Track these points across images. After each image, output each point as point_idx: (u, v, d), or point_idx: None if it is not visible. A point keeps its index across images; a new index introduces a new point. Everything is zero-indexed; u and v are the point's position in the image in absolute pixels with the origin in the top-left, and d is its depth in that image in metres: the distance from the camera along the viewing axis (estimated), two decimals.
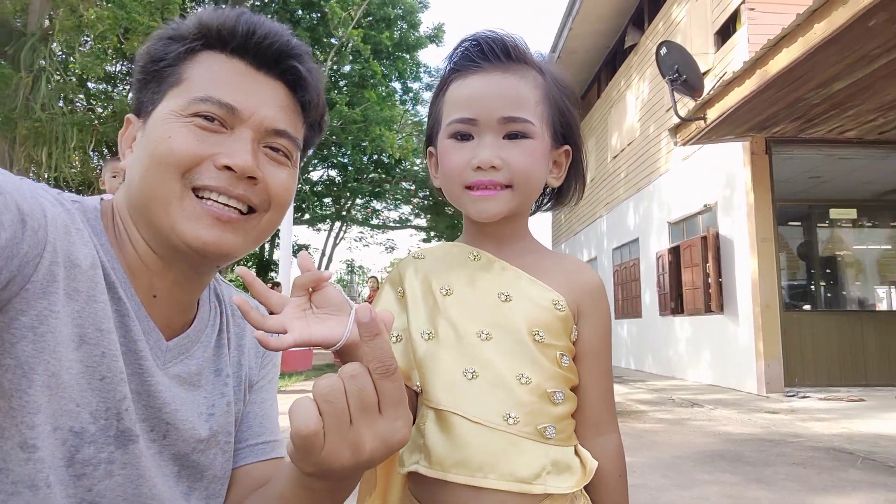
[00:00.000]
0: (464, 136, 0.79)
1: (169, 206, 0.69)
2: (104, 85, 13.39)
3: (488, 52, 0.80)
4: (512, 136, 0.78)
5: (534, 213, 0.92)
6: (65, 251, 0.62)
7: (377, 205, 22.62)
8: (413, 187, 21.00)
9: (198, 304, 0.82)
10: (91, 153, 12.13)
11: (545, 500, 0.74)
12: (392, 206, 22.74)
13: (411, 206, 22.61)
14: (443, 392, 0.75)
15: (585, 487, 0.78)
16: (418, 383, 0.78)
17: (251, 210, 0.73)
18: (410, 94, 20.42)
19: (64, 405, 0.62)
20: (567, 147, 0.86)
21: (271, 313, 0.68)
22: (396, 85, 19.41)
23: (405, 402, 0.57)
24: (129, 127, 0.76)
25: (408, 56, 18.88)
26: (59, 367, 0.61)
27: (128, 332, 0.69)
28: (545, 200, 0.91)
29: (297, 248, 16.72)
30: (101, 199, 0.76)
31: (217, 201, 0.70)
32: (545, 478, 0.73)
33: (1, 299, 0.57)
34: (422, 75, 20.36)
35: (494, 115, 0.77)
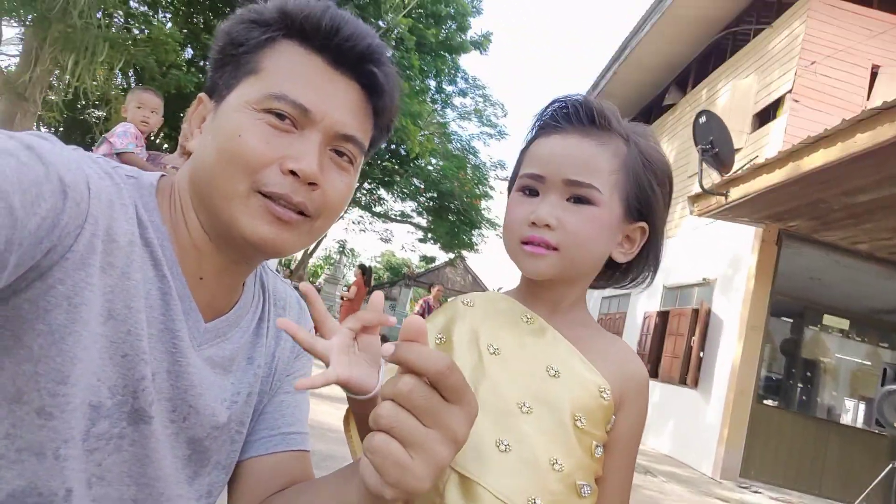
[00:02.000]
0: (530, 192, 0.79)
1: (232, 202, 0.69)
2: (146, 8, 13.26)
3: (573, 115, 0.80)
4: (576, 200, 0.77)
5: (601, 287, 0.89)
6: (105, 225, 0.63)
7: (383, 193, 22.56)
8: (423, 186, 20.97)
9: (242, 287, 0.82)
10: (117, 72, 12.00)
11: None
12: (397, 199, 22.69)
13: (416, 204, 22.57)
14: (471, 458, 0.72)
15: None
16: None
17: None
18: (442, 95, 20.40)
19: (87, 378, 0.62)
20: (643, 224, 0.83)
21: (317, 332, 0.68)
22: (431, 82, 19.39)
23: (466, 383, 0.52)
24: (199, 106, 0.76)
25: (449, 57, 18.87)
26: (88, 340, 0.61)
27: (168, 310, 0.69)
28: (614, 275, 0.88)
29: None
30: (162, 175, 0.76)
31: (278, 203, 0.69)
32: None
33: (41, 266, 0.57)
34: (459, 80, 20.35)
35: (561, 176, 0.77)
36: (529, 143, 0.84)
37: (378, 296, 0.69)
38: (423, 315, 7.50)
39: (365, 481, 0.52)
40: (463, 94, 21.04)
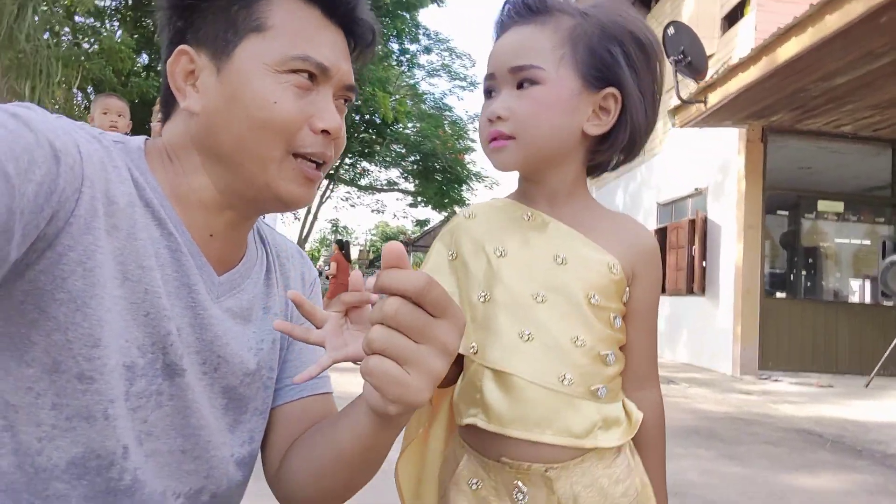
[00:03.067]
0: (488, 93, 0.82)
1: (268, 167, 0.70)
2: (92, 20, 12.92)
3: (514, 12, 0.82)
4: (523, 85, 0.79)
5: (599, 169, 0.89)
6: (102, 188, 0.63)
7: (367, 165, 22.41)
8: (404, 150, 20.81)
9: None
10: (75, 90, 11.78)
11: (590, 452, 0.78)
12: (382, 168, 22.54)
13: (401, 170, 22.45)
14: (500, 353, 0.77)
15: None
16: (474, 344, 0.80)
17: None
18: (407, 56, 20.05)
19: (116, 341, 0.63)
20: (612, 91, 0.80)
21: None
22: (394, 45, 19.04)
23: (448, 296, 0.54)
24: (181, 58, 0.70)
25: (407, 15, 18.47)
26: (110, 303, 0.62)
27: (181, 267, 0.70)
28: (599, 150, 0.85)
29: None
30: (146, 139, 0.76)
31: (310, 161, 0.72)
32: (596, 433, 0.77)
33: (48, 235, 0.58)
34: (420, 37, 19.98)
35: (505, 67, 0.79)
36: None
37: (356, 275, 0.69)
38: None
39: (369, 402, 0.55)
40: (427, 51, 20.64)
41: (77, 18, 12.41)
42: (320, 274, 10.05)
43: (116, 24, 13.44)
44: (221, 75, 0.69)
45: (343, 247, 11.33)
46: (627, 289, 0.82)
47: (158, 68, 14.41)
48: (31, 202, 0.53)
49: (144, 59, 14.24)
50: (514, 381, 0.76)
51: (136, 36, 12.92)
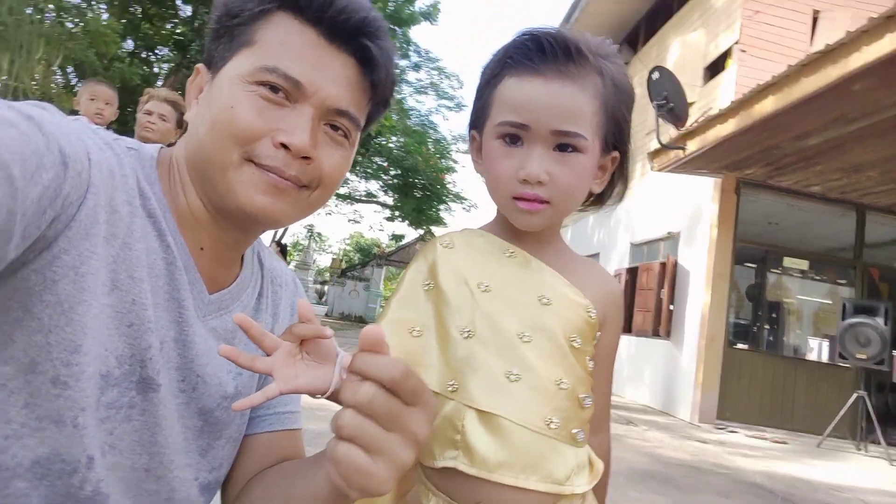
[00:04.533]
0: (513, 141, 0.77)
1: (226, 172, 0.69)
2: (79, 0, 12.67)
3: (548, 52, 0.75)
4: (562, 149, 0.76)
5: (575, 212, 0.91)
6: (107, 195, 0.63)
7: (347, 174, 22.28)
8: (386, 164, 20.78)
9: (242, 262, 0.83)
10: (56, 69, 11.50)
11: (563, 498, 0.76)
12: (362, 179, 22.45)
13: (381, 183, 22.38)
14: (486, 393, 0.74)
15: None
16: (453, 382, 0.76)
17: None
18: (396, 71, 20.13)
19: (95, 347, 0.62)
20: (615, 154, 0.84)
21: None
22: (389, 41, 19.05)
23: (423, 384, 0.54)
24: (197, 76, 0.76)
25: (399, 30, 18.59)
26: (96, 310, 0.62)
27: (173, 280, 0.70)
28: (585, 202, 0.89)
29: None
30: (161, 147, 0.76)
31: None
32: (573, 478, 0.76)
33: (46, 237, 0.58)
34: (411, 53, 20.10)
35: (547, 126, 0.75)
36: (496, 78, 0.79)
37: (304, 305, 0.64)
38: None
39: (331, 479, 0.53)
40: (417, 67, 20.78)
41: None
42: None
43: (104, 7, 13.20)
44: (210, 87, 0.72)
45: (283, 249, 11.45)
46: (598, 334, 0.83)
47: (143, 55, 14.25)
48: (34, 205, 0.53)
49: (129, 44, 14.03)
50: (500, 423, 0.74)
51: (123, 21, 12.72)
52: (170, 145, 0.79)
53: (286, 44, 0.70)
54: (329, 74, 0.71)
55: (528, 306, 0.78)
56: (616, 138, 0.82)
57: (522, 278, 0.80)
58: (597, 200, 0.88)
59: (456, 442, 0.74)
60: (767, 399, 7.82)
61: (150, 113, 3.14)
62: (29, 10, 10.62)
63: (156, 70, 15.12)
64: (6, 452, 0.60)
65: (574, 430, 0.77)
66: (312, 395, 0.66)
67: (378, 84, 0.76)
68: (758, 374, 7.87)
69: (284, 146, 0.68)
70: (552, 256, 0.83)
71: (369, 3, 0.73)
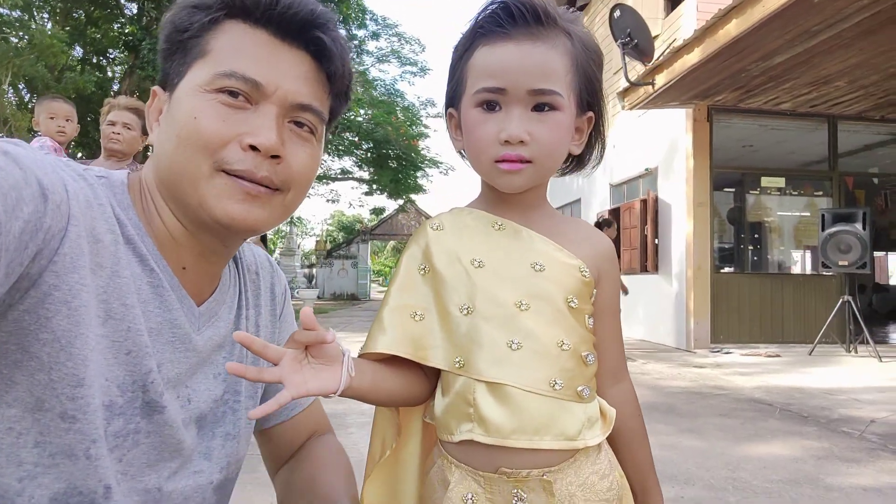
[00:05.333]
0: (490, 106, 0.79)
1: (198, 184, 0.69)
2: (19, 13, 12.24)
3: (518, 17, 0.77)
4: (539, 108, 0.78)
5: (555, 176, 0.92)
6: (88, 226, 0.63)
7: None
8: (357, 138, 20.55)
9: None
10: (6, 87, 11.18)
11: (579, 452, 0.80)
12: (335, 157, 22.22)
13: (354, 158, 22.18)
14: (491, 365, 0.77)
15: (613, 432, 0.86)
16: (459, 359, 0.79)
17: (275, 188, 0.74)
18: (355, 42, 19.74)
19: (97, 379, 0.63)
20: (590, 114, 0.85)
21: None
22: (340, 31, 18.64)
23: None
24: (155, 99, 0.76)
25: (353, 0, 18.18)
26: (94, 342, 0.62)
27: (163, 303, 0.71)
28: (566, 165, 0.91)
29: None
30: (129, 172, 0.76)
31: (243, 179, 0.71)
32: (584, 433, 0.79)
33: (31, 274, 0.57)
34: (368, 22, 19.69)
35: (524, 87, 0.77)
36: (468, 51, 0.81)
37: (306, 313, 0.67)
38: None
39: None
40: (375, 36, 20.40)
41: (2, 11, 11.74)
42: None
43: (46, 16, 12.78)
44: (169, 105, 0.72)
45: (263, 239, 11.42)
46: (594, 290, 0.85)
47: (94, 61, 13.84)
48: (16, 239, 0.53)
49: (78, 52, 13.62)
50: (508, 391, 0.77)
51: (67, 28, 12.33)
52: (142, 157, 0.80)
53: (239, 48, 0.70)
54: (286, 71, 0.71)
55: (523, 275, 0.81)
56: (590, 96, 0.83)
57: (514, 249, 0.82)
58: (577, 163, 0.90)
59: (470, 415, 0.78)
60: (757, 317, 8.05)
61: (113, 123, 3.09)
62: None
63: (109, 74, 14.73)
64: (22, 495, 0.60)
65: (580, 388, 0.80)
66: (324, 395, 0.69)
67: (335, 75, 0.76)
68: (746, 295, 8.07)
69: (253, 148, 0.69)
70: (540, 222, 0.85)
71: None
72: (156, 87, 0.76)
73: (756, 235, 9.14)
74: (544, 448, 0.77)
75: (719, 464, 2.95)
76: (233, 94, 0.69)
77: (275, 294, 0.93)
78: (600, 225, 7.14)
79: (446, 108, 0.88)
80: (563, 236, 0.85)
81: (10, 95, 11.70)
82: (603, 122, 0.88)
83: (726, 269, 8.85)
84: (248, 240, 0.85)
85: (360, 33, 19.69)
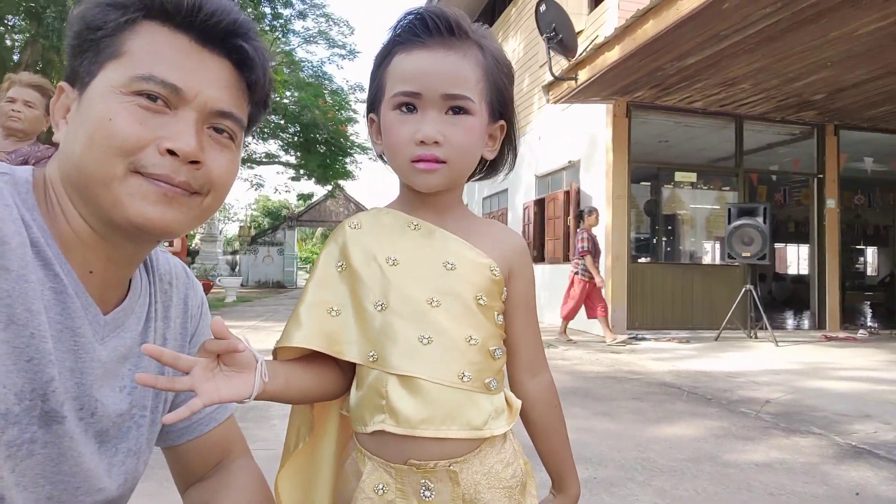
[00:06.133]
0: (408, 109, 0.83)
1: (111, 185, 0.67)
2: None
3: (432, 28, 0.82)
4: (455, 112, 0.82)
5: (469, 181, 0.96)
6: None
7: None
8: (283, 121, 19.98)
9: None
10: None
11: (485, 442, 0.84)
12: (259, 140, 21.52)
13: (280, 142, 21.56)
14: (402, 359, 0.80)
15: (530, 423, 0.92)
16: (373, 352, 0.82)
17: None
18: (281, 21, 19.11)
19: None
20: (502, 122, 0.90)
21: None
22: (266, 9, 18.04)
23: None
24: (61, 95, 0.73)
25: None
26: None
27: (66, 309, 0.68)
28: (478, 170, 0.96)
29: None
30: (34, 169, 0.73)
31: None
32: (490, 423, 0.83)
33: None
34: (294, 1, 19.09)
35: (438, 91, 0.81)
36: (387, 58, 0.85)
37: (217, 323, 0.67)
38: (590, 251, 7.26)
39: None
40: (302, 16, 19.79)
41: None
42: None
43: None
44: (79, 104, 0.70)
45: None
46: (505, 288, 0.89)
47: None
48: None
49: None
50: (419, 383, 0.80)
51: None
52: (47, 139, 0.77)
53: (158, 52, 0.69)
54: (207, 77, 0.71)
55: (435, 273, 0.84)
56: (501, 105, 0.88)
57: (427, 248, 0.86)
58: (490, 169, 0.96)
59: (382, 407, 0.81)
60: (669, 304, 8.51)
61: (13, 100, 2.86)
62: None
63: (8, 43, 13.58)
64: None
65: (487, 380, 0.84)
66: (238, 402, 0.70)
67: (255, 84, 0.76)
68: (659, 283, 8.51)
69: (171, 152, 0.68)
70: (454, 223, 0.88)
71: (235, 4, 0.73)
72: (63, 84, 0.73)
73: (670, 227, 9.64)
74: (451, 437, 0.81)
75: (630, 445, 3.12)
76: (151, 97, 0.68)
77: (188, 307, 0.91)
78: (582, 214, 7.47)
79: (367, 113, 0.91)
80: (476, 236, 0.88)
81: None
82: (514, 132, 0.93)
83: (642, 259, 9.28)
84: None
85: (286, 12, 19.07)
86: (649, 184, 9.70)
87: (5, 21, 13.19)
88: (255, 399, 0.72)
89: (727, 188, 9.45)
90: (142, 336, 0.81)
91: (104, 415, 0.74)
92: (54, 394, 0.66)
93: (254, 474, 0.93)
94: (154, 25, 0.70)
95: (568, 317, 7.51)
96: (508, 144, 0.94)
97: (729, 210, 7.73)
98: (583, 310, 7.53)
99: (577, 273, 7.41)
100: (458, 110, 0.82)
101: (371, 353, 0.82)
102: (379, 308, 0.82)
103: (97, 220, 0.70)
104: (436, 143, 0.81)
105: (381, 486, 0.82)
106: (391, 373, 0.81)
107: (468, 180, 0.96)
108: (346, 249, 0.87)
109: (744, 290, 7.43)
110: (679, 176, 9.29)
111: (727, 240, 7.57)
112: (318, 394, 0.86)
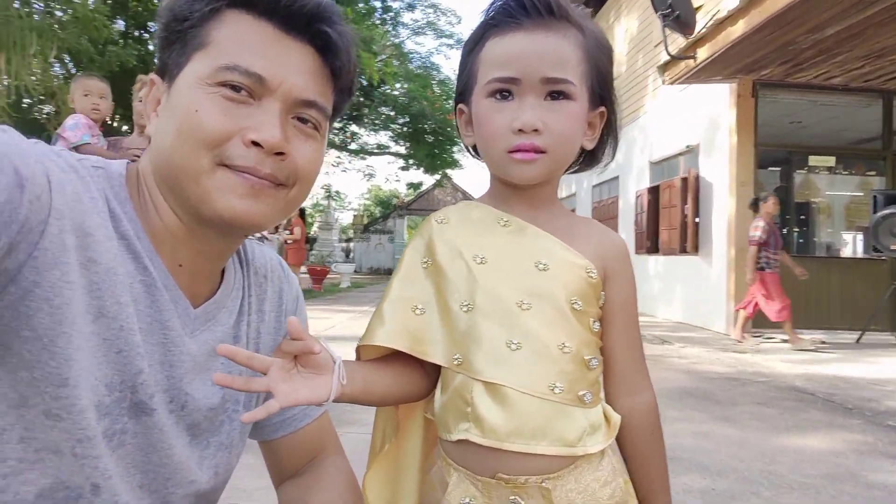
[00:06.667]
0: (503, 96, 0.78)
1: (199, 178, 0.67)
2: None
3: (530, 8, 0.77)
4: (554, 97, 0.77)
5: (566, 173, 0.90)
6: (76, 220, 0.61)
7: (356, 128, 22.07)
8: (393, 113, 20.48)
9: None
10: (52, 61, 11.47)
11: (580, 458, 0.78)
12: (371, 132, 22.24)
13: (390, 133, 22.14)
14: (489, 365, 0.76)
15: (622, 446, 0.84)
16: (458, 355, 0.78)
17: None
18: (390, 14, 19.55)
19: (84, 379, 0.61)
20: (602, 109, 0.84)
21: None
22: (376, 2, 18.50)
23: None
24: (153, 88, 0.74)
25: None
26: (80, 340, 0.61)
27: (155, 303, 0.69)
28: (577, 161, 0.89)
29: None
30: (128, 163, 0.74)
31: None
32: (585, 439, 0.78)
33: (9, 269, 0.56)
34: None
35: (537, 75, 0.76)
36: (479, 44, 0.81)
37: (293, 323, 0.66)
38: (763, 242, 6.39)
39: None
40: (411, 7, 20.17)
41: None
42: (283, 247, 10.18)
43: None
44: (168, 97, 0.70)
45: (301, 213, 11.76)
46: (602, 293, 0.83)
47: (136, 34, 14.04)
48: None
49: (121, 25, 13.85)
50: (506, 392, 0.76)
51: (108, 1, 12.51)
52: None
53: (242, 40, 0.68)
54: (290, 65, 0.69)
55: (525, 274, 0.79)
56: (602, 89, 0.82)
57: (518, 246, 0.81)
58: (590, 158, 0.88)
59: (467, 414, 0.77)
60: (802, 301, 7.75)
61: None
62: (16, 5, 10.51)
63: (151, 48, 14.95)
64: (6, 491, 0.60)
65: (581, 393, 0.78)
66: (315, 404, 0.69)
67: (340, 70, 0.74)
68: (791, 278, 7.80)
69: (256, 144, 0.67)
70: (548, 221, 0.83)
71: None
72: (153, 77, 0.74)
73: (803, 216, 8.82)
74: (541, 453, 0.75)
75: (754, 455, 2.87)
76: (235, 88, 0.67)
77: (283, 301, 0.91)
78: (756, 202, 6.64)
79: (455, 104, 0.87)
80: (571, 235, 0.82)
81: (56, 69, 11.99)
82: (615, 119, 0.86)
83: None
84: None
85: (395, 4, 19.50)
86: (779, 169, 8.89)
87: (147, 27, 14.51)
88: (334, 401, 0.71)
89: (872, 173, 8.46)
90: (234, 329, 0.81)
91: (195, 408, 0.75)
92: (143, 386, 0.67)
93: (345, 473, 0.92)
94: (238, 13, 0.69)
95: (786, 316, 6.47)
96: (609, 133, 0.87)
97: (874, 197, 6.91)
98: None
99: (762, 268, 6.50)
100: (558, 95, 0.77)
101: (456, 356, 0.78)
102: (465, 308, 0.78)
103: (186, 214, 0.71)
104: (535, 130, 0.75)
105: (467, 500, 0.79)
106: (477, 379, 0.76)
107: (564, 172, 0.89)
108: (432, 245, 0.83)
109: (892, 287, 6.63)
110: (814, 160, 8.44)
111: (872, 231, 6.76)
112: (398, 396, 0.83)
